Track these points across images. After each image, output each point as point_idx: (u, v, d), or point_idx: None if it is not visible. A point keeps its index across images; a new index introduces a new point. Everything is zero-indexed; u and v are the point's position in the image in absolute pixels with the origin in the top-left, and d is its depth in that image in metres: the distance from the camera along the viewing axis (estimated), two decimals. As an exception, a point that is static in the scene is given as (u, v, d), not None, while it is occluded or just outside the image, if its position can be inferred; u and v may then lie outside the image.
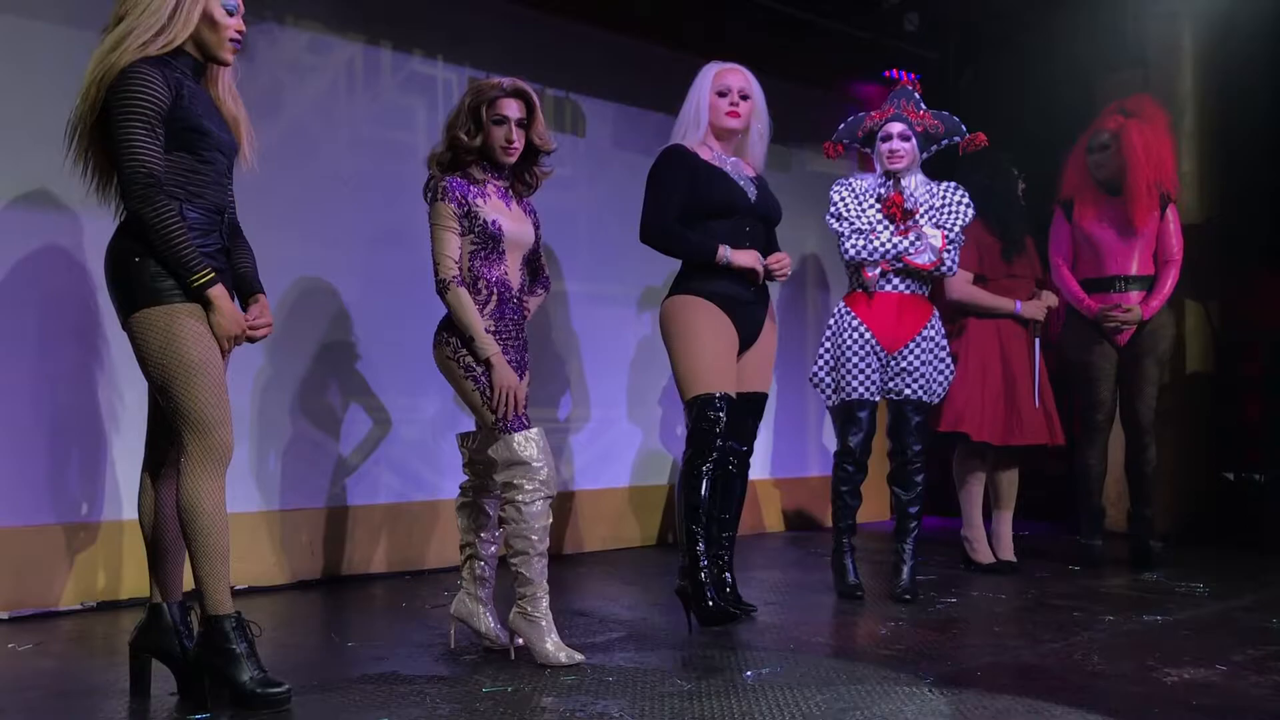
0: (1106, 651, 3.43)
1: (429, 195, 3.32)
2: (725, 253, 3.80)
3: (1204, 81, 6.06)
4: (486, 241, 3.28)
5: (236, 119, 2.92)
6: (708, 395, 3.74)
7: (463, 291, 3.22)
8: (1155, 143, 5.01)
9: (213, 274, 2.70)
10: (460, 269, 3.26)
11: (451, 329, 3.29)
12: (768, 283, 3.96)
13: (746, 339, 3.92)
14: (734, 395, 3.79)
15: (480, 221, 3.27)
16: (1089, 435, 5.04)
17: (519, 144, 3.33)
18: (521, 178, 3.44)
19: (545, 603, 3.26)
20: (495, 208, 3.31)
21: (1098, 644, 3.53)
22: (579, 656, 3.24)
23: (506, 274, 3.32)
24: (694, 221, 3.84)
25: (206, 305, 2.71)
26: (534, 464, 3.21)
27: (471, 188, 3.30)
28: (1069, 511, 5.36)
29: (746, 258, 3.83)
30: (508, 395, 3.21)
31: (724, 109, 3.90)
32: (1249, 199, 6.05)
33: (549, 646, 3.23)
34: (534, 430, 3.26)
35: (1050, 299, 4.95)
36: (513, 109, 3.31)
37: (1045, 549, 5.47)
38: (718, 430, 3.73)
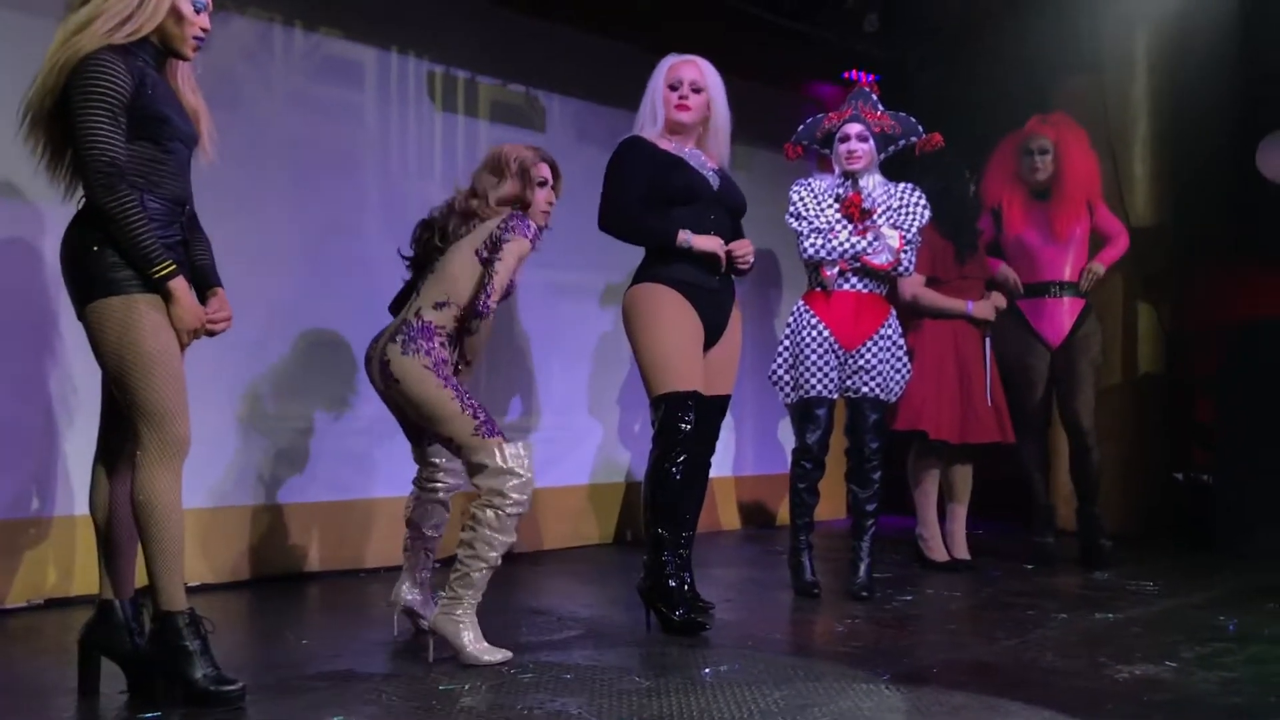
0: (1060, 648, 3.47)
1: (507, 224, 3.36)
2: (686, 236, 3.74)
3: (1157, 86, 6.16)
4: (502, 296, 3.40)
5: (196, 111, 2.88)
6: (676, 393, 3.67)
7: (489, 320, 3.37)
8: (1087, 156, 5.19)
9: (174, 266, 2.66)
10: (468, 295, 3.37)
11: (430, 340, 3.28)
12: (733, 276, 3.94)
13: (713, 330, 3.84)
14: (702, 392, 3.73)
15: (511, 280, 3.42)
16: (1025, 434, 5.11)
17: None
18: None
19: (475, 606, 3.22)
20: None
21: (1051, 641, 3.57)
22: (506, 654, 3.20)
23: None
24: (656, 209, 3.79)
25: (166, 297, 2.67)
26: (527, 476, 3.19)
27: (533, 243, 3.42)
28: (1021, 510, 5.43)
29: (708, 242, 3.76)
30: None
31: (674, 101, 3.85)
32: (1199, 201, 6.15)
33: (478, 647, 3.18)
34: (525, 442, 3.30)
35: (999, 299, 5.01)
36: (549, 174, 3.57)
37: (998, 547, 5.53)
38: (685, 429, 3.67)
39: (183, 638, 2.70)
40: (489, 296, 3.29)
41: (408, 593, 3.50)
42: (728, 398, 3.97)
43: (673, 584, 3.67)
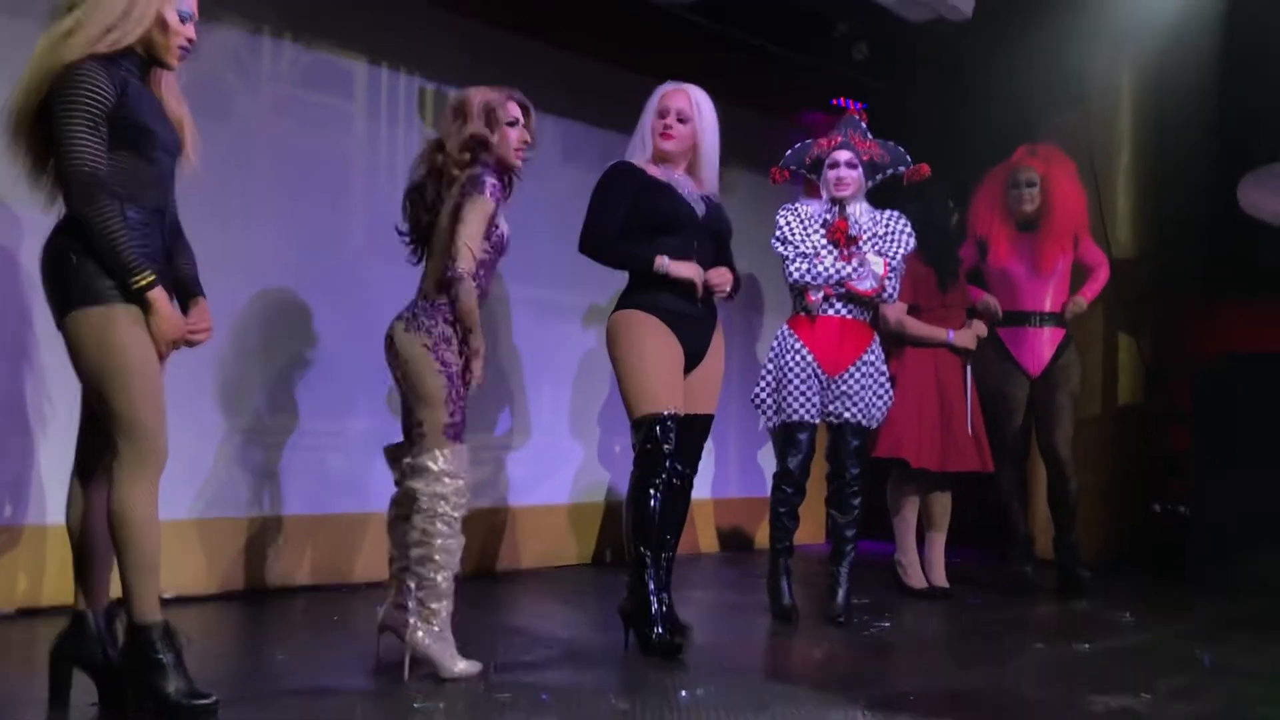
0: (1036, 678, 3.48)
1: (464, 188, 3.27)
2: (663, 262, 3.74)
3: (1141, 120, 6.23)
4: (497, 253, 3.34)
5: (180, 120, 2.87)
6: (656, 415, 3.68)
7: (474, 287, 3.23)
8: (1075, 189, 5.24)
9: (153, 276, 2.65)
10: None
11: (434, 318, 3.24)
12: (714, 300, 3.95)
13: (693, 355, 3.86)
14: (682, 414, 3.75)
15: (498, 233, 3.32)
16: (1004, 463, 5.14)
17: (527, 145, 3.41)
18: (508, 185, 3.46)
19: (449, 618, 3.23)
20: (503, 219, 3.36)
21: (1027, 670, 3.58)
22: (478, 665, 3.23)
23: (489, 289, 3.38)
24: (640, 236, 3.80)
25: (145, 308, 2.66)
26: (464, 479, 3.21)
27: (503, 191, 3.33)
28: (1000, 539, 5.44)
29: (685, 269, 3.77)
30: (479, 365, 3.28)
31: (659, 130, 3.87)
32: (1181, 234, 6.21)
33: (452, 660, 3.20)
34: (464, 445, 3.25)
35: (980, 328, 5.04)
36: (520, 113, 3.40)
37: (976, 575, 5.54)
38: (666, 450, 3.68)
39: (156, 650, 2.68)
40: (454, 261, 3.20)
41: (393, 610, 3.47)
42: (710, 417, 3.97)
43: (654, 603, 3.67)
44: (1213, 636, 4.18)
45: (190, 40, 2.81)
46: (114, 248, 2.61)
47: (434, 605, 3.19)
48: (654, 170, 3.87)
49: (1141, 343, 6.24)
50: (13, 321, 3.99)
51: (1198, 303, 6.19)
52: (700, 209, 3.89)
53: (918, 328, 4.93)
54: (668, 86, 3.94)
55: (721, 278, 3.85)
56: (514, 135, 3.37)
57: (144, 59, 2.78)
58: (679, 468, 3.86)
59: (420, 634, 3.19)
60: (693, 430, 3.87)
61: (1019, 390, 5.20)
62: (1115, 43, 6.07)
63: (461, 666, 3.20)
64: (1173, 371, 6.17)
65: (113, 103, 2.64)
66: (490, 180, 3.27)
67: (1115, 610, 4.71)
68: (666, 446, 3.69)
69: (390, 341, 3.30)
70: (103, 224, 2.60)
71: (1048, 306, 5.20)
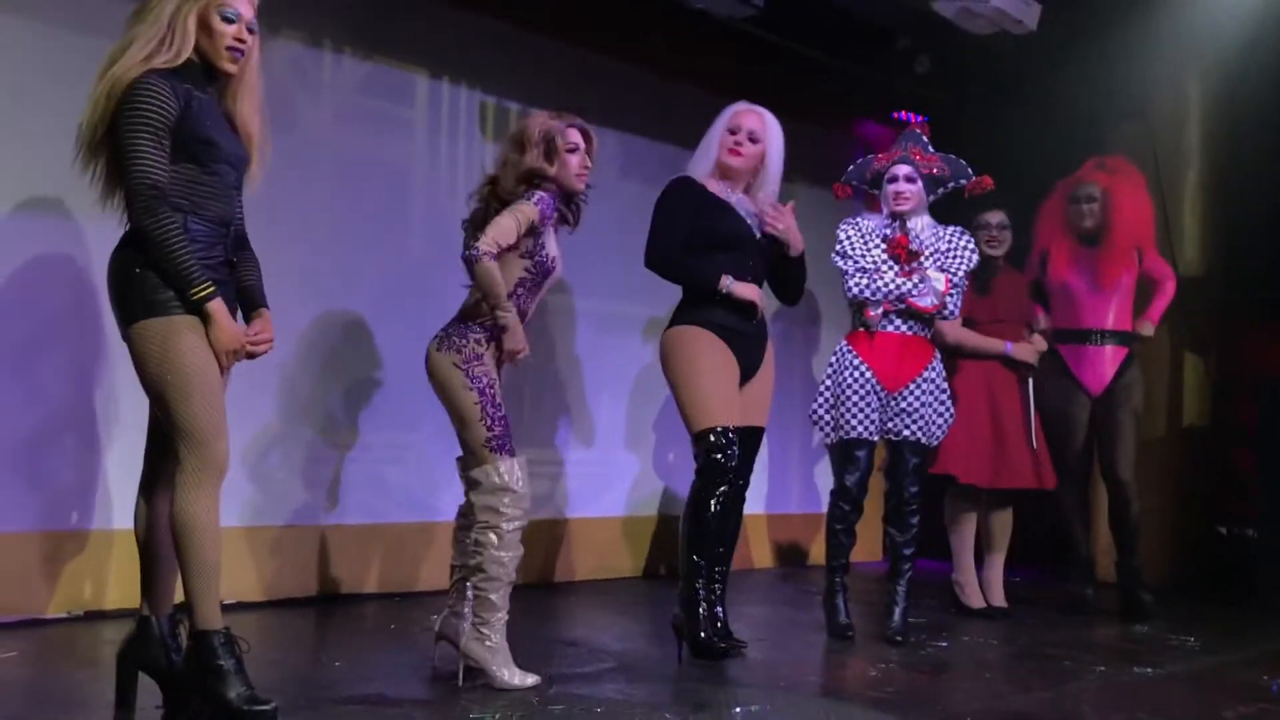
0: (1096, 702, 3.41)
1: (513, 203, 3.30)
2: (727, 283, 3.82)
3: (1209, 134, 6.12)
4: (540, 274, 3.35)
5: (250, 134, 2.91)
6: (718, 428, 3.73)
7: (494, 265, 3.20)
8: (1141, 203, 5.14)
9: (212, 288, 2.68)
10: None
11: (464, 335, 3.28)
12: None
13: (746, 371, 3.92)
14: (739, 426, 3.78)
15: (543, 254, 3.34)
16: (1065, 483, 5.06)
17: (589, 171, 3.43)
18: (571, 210, 3.49)
19: (504, 629, 3.25)
20: (554, 243, 3.39)
21: (1088, 694, 3.52)
22: (536, 678, 3.24)
23: (532, 306, 3.40)
24: (698, 252, 3.86)
25: (205, 319, 2.70)
26: (520, 491, 3.23)
27: (554, 212, 3.35)
28: (1061, 559, 5.36)
29: (747, 290, 3.84)
30: (511, 356, 3.26)
31: (729, 145, 3.92)
32: (1250, 252, 6.08)
33: (508, 671, 3.22)
34: (521, 458, 3.27)
35: (1040, 343, 4.97)
36: (580, 139, 3.42)
37: (1036, 596, 5.46)
38: (729, 464, 3.73)
39: (218, 656, 2.72)
40: (480, 240, 3.20)
41: (451, 619, 3.48)
42: (761, 430, 4.03)
43: (702, 609, 3.72)
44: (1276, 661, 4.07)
45: (240, 40, 2.81)
46: (173, 259, 2.65)
47: (486, 615, 3.22)
48: (714, 187, 3.91)
49: (1207, 361, 6.11)
50: (79, 331, 4.07)
51: (1266, 320, 6.05)
52: (756, 228, 3.94)
53: (975, 340, 4.88)
54: (741, 105, 3.98)
55: (785, 215, 3.94)
56: (575, 161, 3.39)
57: (205, 69, 2.81)
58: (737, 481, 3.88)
59: (474, 644, 3.22)
60: (745, 443, 3.89)
61: (1079, 409, 5.12)
62: (1182, 53, 5.96)
63: (517, 677, 3.22)
64: (1239, 390, 6.04)
65: (175, 115, 2.68)
66: (541, 195, 3.30)
67: (1179, 634, 4.61)
68: (727, 459, 3.72)
69: (426, 361, 3.34)
70: (162, 236, 2.64)
71: (1110, 324, 5.11)
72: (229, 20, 2.79)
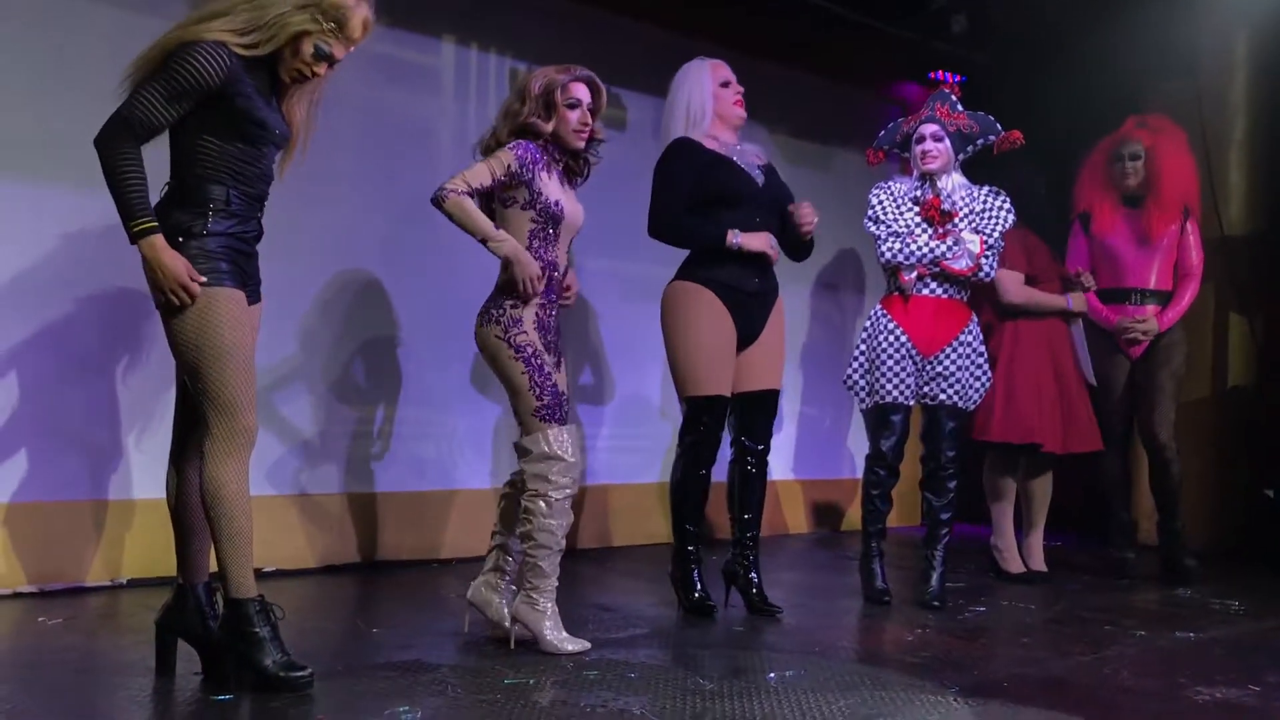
0: (1136, 667, 3.38)
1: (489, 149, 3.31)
2: (735, 237, 3.82)
3: (1256, 91, 5.97)
4: (548, 222, 3.30)
5: (294, 123, 2.91)
6: (707, 398, 3.82)
7: (465, 199, 3.18)
8: (1185, 160, 5.04)
9: (153, 223, 2.64)
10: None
11: (501, 305, 3.27)
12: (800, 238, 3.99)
13: (749, 333, 3.92)
14: (729, 395, 3.87)
15: (543, 200, 3.30)
16: (1106, 447, 4.99)
17: (590, 127, 3.37)
18: (577, 164, 3.45)
19: (554, 594, 3.28)
20: (557, 189, 3.34)
21: (1128, 659, 3.48)
22: (585, 644, 3.28)
23: (557, 257, 3.36)
24: (704, 211, 3.86)
25: (144, 253, 2.65)
26: (570, 460, 3.23)
27: (541, 158, 3.31)
28: (1101, 523, 5.30)
29: (758, 241, 3.85)
30: (529, 283, 3.20)
31: (731, 99, 3.97)
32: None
33: (556, 635, 3.25)
34: (571, 425, 3.27)
35: (1086, 291, 4.91)
36: (585, 93, 3.37)
37: (1076, 560, 5.41)
38: (714, 435, 3.85)
39: (253, 624, 2.75)
40: (450, 179, 3.19)
41: (482, 587, 3.50)
42: (776, 392, 4.03)
43: (694, 569, 3.89)
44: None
45: (316, 73, 2.84)
46: (121, 186, 2.63)
47: (536, 581, 3.25)
48: (712, 144, 3.88)
49: (1253, 322, 5.99)
50: (117, 302, 4.11)
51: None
52: (760, 179, 3.92)
53: (1039, 297, 4.82)
54: (711, 60, 4.00)
55: (805, 215, 3.93)
56: (574, 117, 3.33)
57: (270, 66, 2.83)
58: (750, 445, 3.92)
59: (524, 607, 3.27)
60: (758, 406, 3.91)
61: (1119, 371, 5.05)
62: (1229, 9, 5.81)
63: (568, 643, 3.25)
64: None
65: (216, 84, 2.68)
66: (521, 142, 3.27)
67: (1223, 599, 4.55)
68: (704, 429, 3.83)
69: (475, 339, 3.35)
70: (114, 162, 2.62)
71: (1152, 283, 5.02)
72: (320, 55, 2.81)
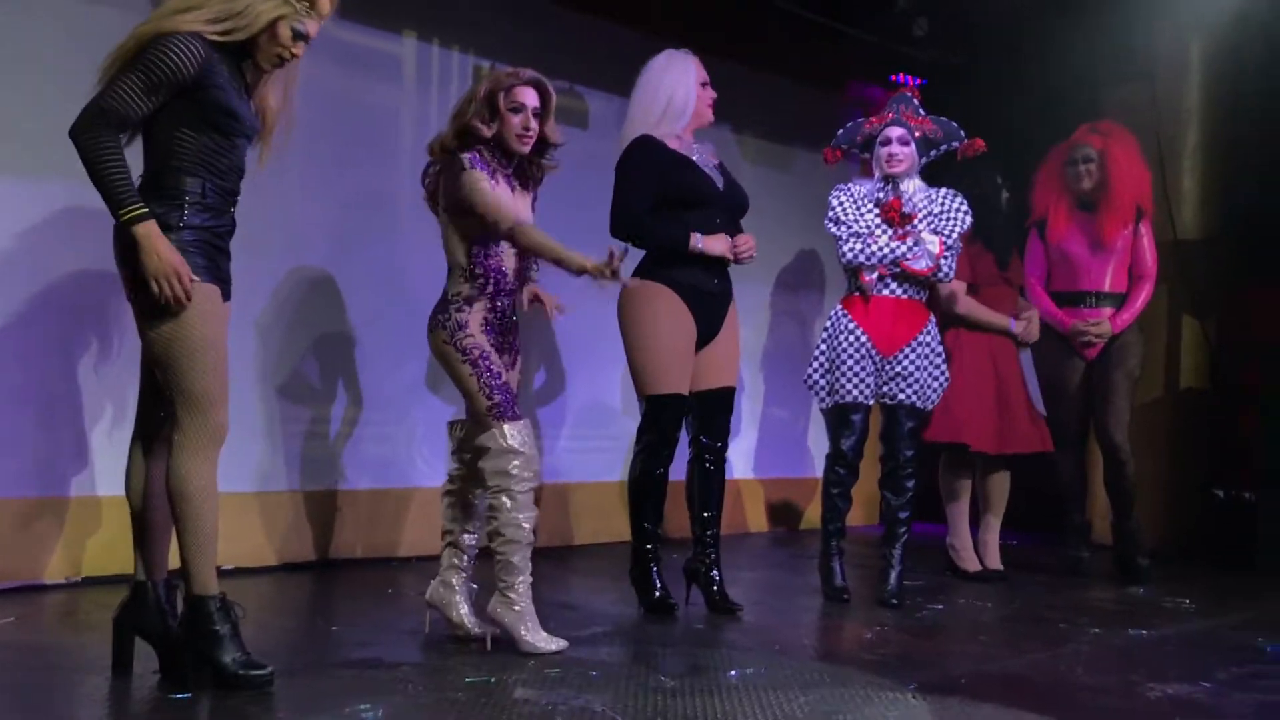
0: (1091, 664, 3.43)
1: (451, 169, 3.27)
2: (697, 241, 3.83)
3: (1210, 96, 6.06)
4: (489, 229, 3.27)
5: (264, 111, 2.89)
6: (666, 396, 3.84)
7: (530, 228, 3.21)
8: (1137, 162, 5.12)
9: (144, 210, 2.61)
10: (461, 255, 3.28)
11: (447, 311, 3.28)
12: (731, 272, 4.01)
13: (708, 332, 3.95)
14: (687, 394, 3.88)
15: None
16: (1061, 447, 5.05)
17: (535, 132, 3.33)
18: (528, 169, 3.43)
19: (529, 592, 3.27)
20: (505, 195, 3.31)
21: (1083, 656, 3.53)
22: (563, 643, 3.26)
23: (503, 264, 3.33)
24: (666, 212, 3.86)
25: (134, 241, 2.61)
26: (528, 453, 3.23)
27: (486, 166, 3.29)
28: (1057, 523, 5.37)
29: (718, 244, 3.86)
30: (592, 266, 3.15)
31: (707, 100, 3.97)
32: (1251, 214, 6.04)
33: (533, 635, 3.24)
34: (524, 420, 3.27)
35: (1035, 328, 4.96)
36: (530, 98, 3.32)
37: (1032, 559, 5.48)
38: (672, 433, 3.86)
39: (213, 622, 2.73)
40: (496, 224, 3.19)
41: (440, 587, 3.49)
42: (732, 390, 4.05)
43: (654, 568, 3.89)
44: (1277, 627, 4.09)
45: (294, 54, 2.82)
46: (103, 177, 2.59)
47: (509, 579, 3.24)
48: (675, 144, 3.88)
49: (1207, 324, 6.09)
50: (75, 295, 4.05)
51: (1268, 283, 6.02)
52: (719, 180, 3.93)
53: (981, 312, 4.86)
54: (690, 54, 3.97)
55: (746, 245, 3.93)
56: (515, 121, 3.29)
57: (244, 51, 2.80)
58: (708, 442, 3.94)
59: (500, 608, 3.26)
60: (715, 404, 3.94)
61: (1074, 372, 5.12)
62: (1184, 16, 5.90)
63: (543, 641, 3.24)
64: (1240, 353, 6.02)
65: (191, 76, 2.65)
66: (465, 156, 3.25)
67: (1175, 598, 4.63)
68: (666, 427, 3.84)
69: (429, 342, 3.36)
70: (95, 152, 2.59)
71: (1107, 286, 5.09)
72: (296, 35, 2.79)
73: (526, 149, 3.34)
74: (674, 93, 3.90)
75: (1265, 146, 5.93)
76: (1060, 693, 3.08)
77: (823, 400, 4.30)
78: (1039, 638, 3.78)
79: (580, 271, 3.15)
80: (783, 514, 6.65)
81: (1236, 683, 3.24)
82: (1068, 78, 6.07)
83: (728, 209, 3.97)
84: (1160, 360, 6.02)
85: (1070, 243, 5.11)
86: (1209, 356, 6.11)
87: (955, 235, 4.22)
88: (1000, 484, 5.05)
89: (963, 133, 4.27)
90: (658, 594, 3.90)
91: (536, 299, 3.57)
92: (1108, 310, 5.08)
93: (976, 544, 5.05)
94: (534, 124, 3.31)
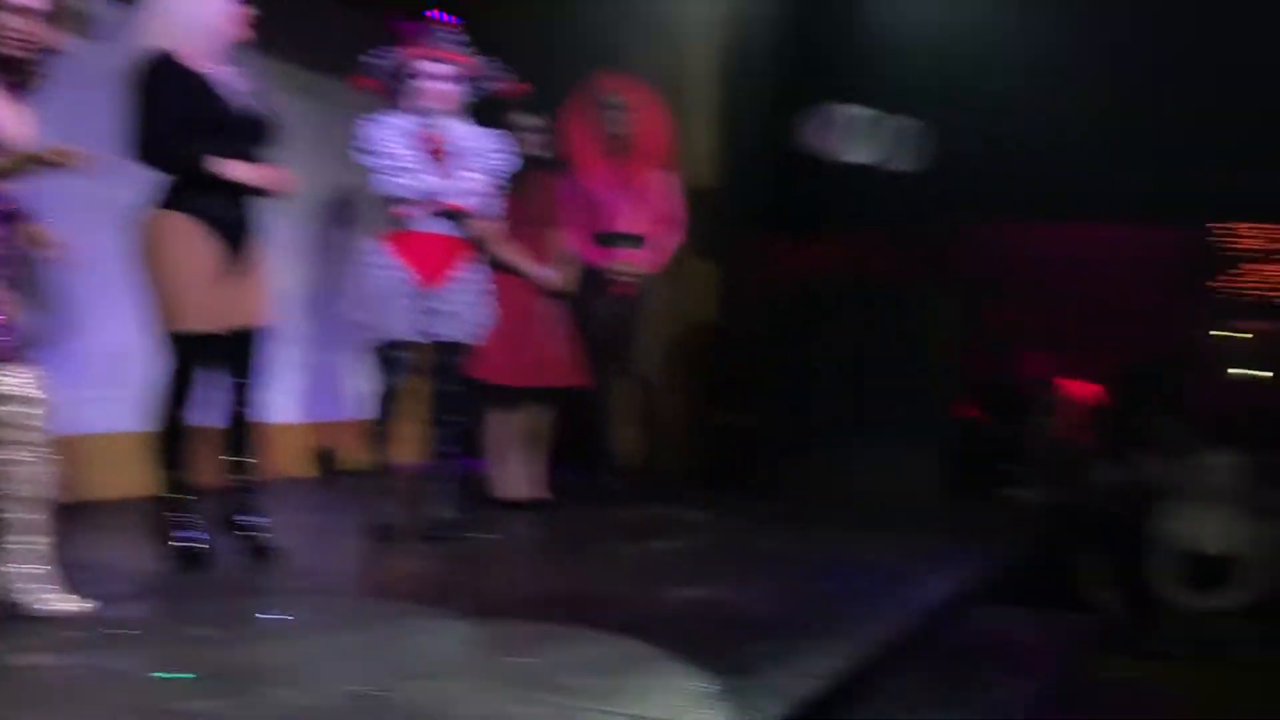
0: (621, 576, 3.69)
1: None
2: (217, 165, 3.58)
3: (726, 54, 6.62)
4: None
5: None
6: (190, 335, 3.58)
7: None
8: (662, 112, 5.48)
9: None
10: None
11: None
12: (264, 207, 3.81)
13: (234, 267, 3.71)
14: (220, 333, 3.65)
15: None
16: (595, 382, 5.37)
17: (24, 33, 2.96)
18: (17, 74, 3.02)
19: (49, 552, 2.98)
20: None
21: (614, 571, 3.79)
22: (86, 604, 2.99)
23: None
24: (185, 136, 3.57)
25: None
26: (42, 401, 2.90)
27: None
28: (588, 452, 5.68)
29: (244, 171, 3.63)
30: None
31: (236, 15, 3.68)
32: (752, 171, 6.71)
33: (55, 596, 2.96)
34: (29, 365, 2.94)
35: (571, 276, 5.18)
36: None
37: (569, 488, 5.76)
38: (196, 375, 3.63)
39: None
40: None
41: None
42: (260, 328, 3.83)
43: (183, 518, 3.67)
44: (774, 530, 4.61)
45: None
46: None
47: (26, 539, 2.93)
48: (197, 64, 3.61)
49: (715, 269, 6.69)
50: None
51: (769, 231, 6.73)
52: (245, 106, 3.71)
53: (517, 258, 4.98)
54: None
55: (280, 177, 3.74)
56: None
57: None
58: (237, 382, 3.76)
59: (10, 572, 2.93)
60: (245, 344, 3.73)
61: (604, 311, 5.41)
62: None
63: (62, 604, 2.95)
64: (744, 295, 6.69)
65: None
66: None
67: (690, 512, 5.08)
68: (193, 368, 3.61)
69: None
70: None
71: (637, 228, 5.40)
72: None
73: (12, 50, 2.97)
74: (195, 5, 3.61)
75: (772, 108, 6.61)
76: (595, 604, 3.28)
77: (366, 338, 4.23)
78: (575, 558, 4.02)
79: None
80: (328, 455, 6.49)
81: (742, 580, 3.63)
82: (596, 27, 6.36)
83: (254, 136, 3.73)
84: (678, 300, 6.54)
85: (602, 186, 5.37)
86: (717, 297, 6.74)
87: (496, 174, 4.29)
88: (543, 417, 5.24)
89: (505, 74, 4.33)
90: (190, 545, 3.65)
91: (34, 239, 3.17)
92: (638, 251, 5.41)
93: (521, 476, 5.21)
94: (25, 23, 2.96)
